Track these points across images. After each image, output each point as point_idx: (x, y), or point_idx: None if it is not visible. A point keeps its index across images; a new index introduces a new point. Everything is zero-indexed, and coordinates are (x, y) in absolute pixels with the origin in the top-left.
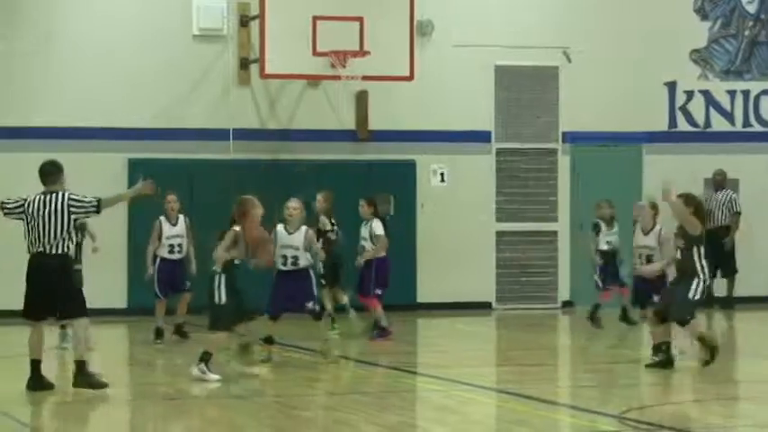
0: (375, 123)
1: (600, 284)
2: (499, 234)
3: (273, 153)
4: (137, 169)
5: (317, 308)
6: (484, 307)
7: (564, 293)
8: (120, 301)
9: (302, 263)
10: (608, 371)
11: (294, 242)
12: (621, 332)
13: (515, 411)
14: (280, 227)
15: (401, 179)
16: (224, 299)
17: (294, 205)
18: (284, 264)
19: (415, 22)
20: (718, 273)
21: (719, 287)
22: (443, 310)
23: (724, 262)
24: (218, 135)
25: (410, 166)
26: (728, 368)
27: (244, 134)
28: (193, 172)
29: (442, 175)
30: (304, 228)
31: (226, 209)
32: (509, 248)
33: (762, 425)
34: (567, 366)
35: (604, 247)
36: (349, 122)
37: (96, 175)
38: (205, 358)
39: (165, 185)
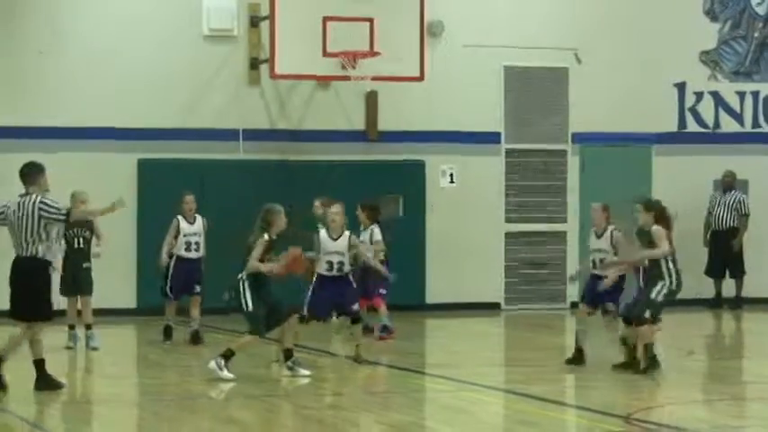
0: (385, 124)
1: None
2: (508, 235)
3: (283, 153)
4: (146, 169)
5: (359, 311)
6: (493, 307)
7: (573, 294)
8: (130, 302)
9: (346, 268)
10: (615, 371)
11: (339, 248)
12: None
13: (523, 412)
14: (323, 233)
15: (411, 180)
16: (251, 305)
17: (336, 210)
18: (330, 270)
19: (425, 23)
20: (727, 274)
21: (728, 288)
22: (452, 311)
23: (732, 263)
24: (228, 135)
25: (420, 167)
26: (737, 369)
27: (254, 134)
28: (203, 172)
29: (451, 175)
30: (347, 233)
31: (236, 209)
32: (518, 249)
33: None
34: (574, 367)
35: None
36: (359, 123)
37: (106, 175)
38: (227, 354)
39: (176, 186)
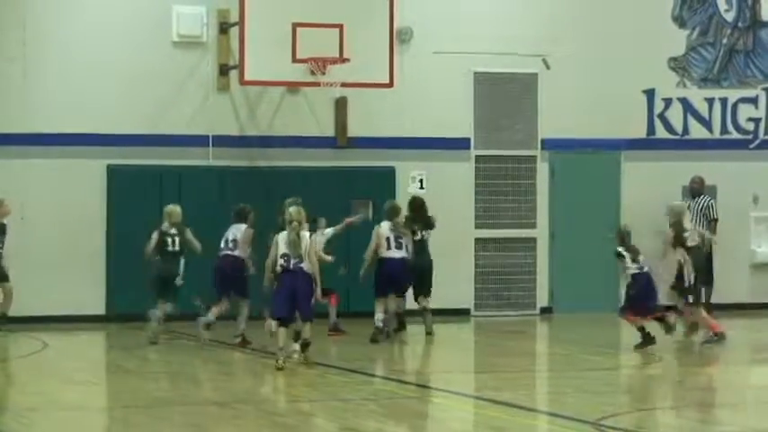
0: (354, 130)
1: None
2: (478, 241)
3: (253, 160)
4: (116, 175)
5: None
6: (463, 313)
7: (543, 300)
8: (99, 308)
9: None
10: (585, 377)
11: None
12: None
13: (493, 418)
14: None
15: (380, 186)
16: None
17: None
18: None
19: (394, 30)
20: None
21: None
22: (422, 317)
23: (701, 269)
24: (198, 141)
25: (389, 173)
26: (705, 375)
27: (223, 141)
28: (172, 178)
29: (421, 181)
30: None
31: (205, 215)
32: (488, 255)
33: (738, 431)
34: (544, 373)
35: None
36: (329, 129)
37: (75, 181)
38: None
39: (145, 192)
